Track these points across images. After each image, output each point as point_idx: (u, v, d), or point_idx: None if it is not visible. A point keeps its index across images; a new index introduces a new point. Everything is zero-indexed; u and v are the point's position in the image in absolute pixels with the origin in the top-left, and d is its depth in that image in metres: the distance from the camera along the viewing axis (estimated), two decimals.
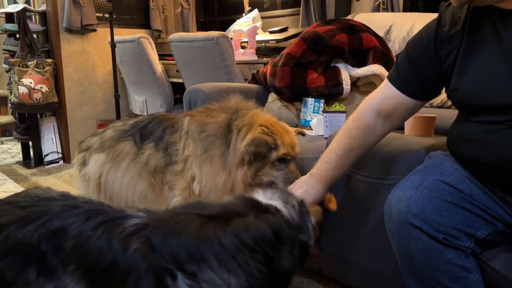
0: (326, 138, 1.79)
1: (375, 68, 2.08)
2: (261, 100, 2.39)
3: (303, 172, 1.67)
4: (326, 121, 1.76)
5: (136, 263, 0.86)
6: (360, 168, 1.51)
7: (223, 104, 1.70)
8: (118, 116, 3.55)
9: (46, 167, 3.77)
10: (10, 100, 3.68)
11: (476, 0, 1.01)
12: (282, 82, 2.15)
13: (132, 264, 0.87)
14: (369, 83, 2.20)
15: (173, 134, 1.69)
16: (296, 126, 2.23)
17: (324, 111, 1.77)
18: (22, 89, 3.48)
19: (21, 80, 3.47)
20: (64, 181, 3.38)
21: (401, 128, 1.68)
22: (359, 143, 1.33)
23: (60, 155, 3.85)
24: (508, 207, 1.11)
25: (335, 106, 1.79)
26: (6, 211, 1.00)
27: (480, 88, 1.08)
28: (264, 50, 3.08)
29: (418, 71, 1.22)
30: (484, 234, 1.13)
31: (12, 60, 3.51)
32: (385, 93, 1.30)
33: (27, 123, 3.76)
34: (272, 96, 2.35)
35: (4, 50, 3.72)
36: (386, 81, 1.31)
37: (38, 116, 3.81)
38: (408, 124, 1.54)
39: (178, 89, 3.40)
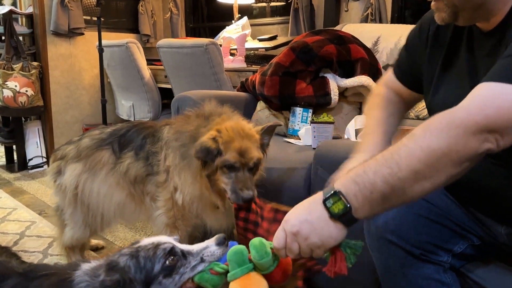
0: (314, 148, 1.80)
1: (363, 80, 2.10)
2: (250, 109, 2.40)
3: (292, 183, 1.67)
4: (314, 131, 1.77)
5: None
6: None
7: (198, 111, 1.66)
8: (105, 121, 3.51)
9: (30, 171, 3.71)
10: None
11: (460, 20, 0.99)
12: (271, 91, 2.16)
13: None
14: (357, 94, 2.22)
15: (154, 144, 1.67)
16: (285, 135, 2.24)
17: (312, 122, 1.78)
18: (7, 92, 3.42)
19: (6, 83, 3.42)
20: (48, 186, 3.33)
21: None
22: (390, 111, 1.28)
23: (45, 160, 3.79)
24: (481, 224, 1.13)
25: (323, 117, 1.80)
26: None
27: (448, 107, 1.09)
28: (253, 58, 3.09)
29: (412, 61, 1.22)
30: (461, 249, 1.14)
31: None
32: (390, 78, 1.31)
33: (11, 127, 3.70)
34: (260, 105, 2.35)
35: None
36: (390, 69, 1.33)
37: (23, 119, 3.75)
38: (396, 136, 1.56)
39: (167, 94, 3.38)
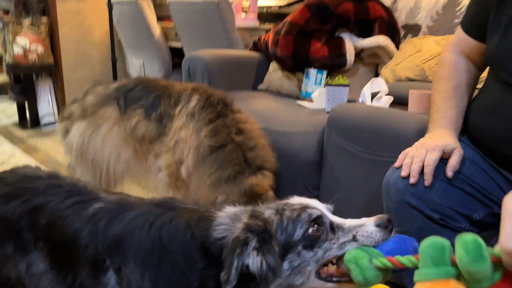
0: (328, 112, 1.75)
1: (381, 40, 2.02)
2: (262, 70, 2.34)
3: (304, 147, 1.65)
4: (329, 94, 1.72)
5: (86, 244, 0.88)
6: (358, 142, 1.49)
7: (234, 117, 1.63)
8: (115, 79, 3.48)
9: (43, 129, 3.74)
10: (4, 60, 3.59)
11: None
12: (284, 51, 2.09)
13: (83, 244, 0.88)
14: (374, 55, 2.15)
15: (172, 107, 1.63)
16: (297, 98, 2.19)
17: (327, 85, 1.73)
18: (17, 50, 3.39)
19: (16, 39, 3.37)
20: (61, 144, 3.35)
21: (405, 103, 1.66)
22: (457, 81, 1.23)
23: (57, 117, 3.80)
24: (507, 190, 1.11)
25: (338, 79, 1.74)
26: None
27: None
28: (266, 15, 2.99)
29: (483, 3, 1.16)
30: (480, 216, 1.13)
31: (6, 17, 3.40)
32: (459, 38, 1.26)
33: (22, 84, 3.69)
34: (273, 66, 2.29)
35: None
36: (459, 28, 1.27)
37: (34, 77, 3.73)
38: (412, 101, 1.51)
39: (177, 53, 3.32)
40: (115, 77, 3.44)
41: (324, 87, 1.76)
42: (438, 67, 1.30)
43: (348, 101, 1.88)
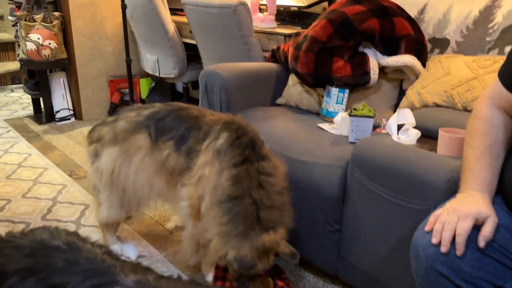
0: (351, 142, 1.70)
1: (407, 60, 1.93)
2: (281, 82, 2.27)
3: (326, 181, 1.60)
4: (352, 125, 1.66)
5: None
6: (384, 184, 1.44)
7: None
8: (130, 78, 3.43)
9: (58, 123, 3.73)
10: (18, 55, 3.55)
11: None
12: (305, 68, 2.01)
13: None
14: (398, 70, 2.06)
15: (199, 141, 1.60)
16: (317, 114, 2.13)
17: (351, 115, 1.66)
18: (30, 45, 3.34)
19: (29, 35, 3.32)
20: (77, 142, 3.35)
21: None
22: (493, 138, 1.17)
23: (72, 112, 3.79)
24: None
25: (362, 109, 1.67)
26: (11, 257, 0.99)
27: None
28: (284, 15, 2.88)
29: None
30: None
31: (18, 13, 3.33)
32: (495, 91, 1.20)
33: (36, 79, 3.66)
34: (292, 79, 2.22)
35: (9, 0, 3.53)
36: (496, 78, 1.21)
37: (48, 71, 3.69)
38: (442, 143, 1.44)
39: (192, 47, 3.23)
40: (130, 77, 3.39)
41: (347, 114, 1.69)
42: (471, 120, 1.23)
43: (374, 126, 1.82)
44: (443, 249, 1.07)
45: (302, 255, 1.81)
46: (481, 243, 1.06)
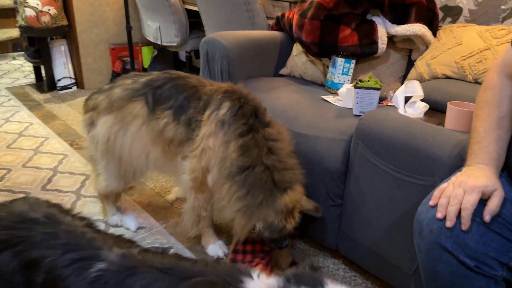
0: (356, 115, 1.64)
1: (417, 28, 1.84)
2: (285, 52, 2.19)
3: (329, 155, 1.56)
4: (357, 97, 1.59)
5: None
6: (388, 159, 1.39)
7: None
8: (131, 46, 3.35)
9: (60, 92, 3.68)
10: (17, 21, 3.47)
11: None
12: (310, 37, 1.93)
13: None
14: (408, 39, 1.97)
15: (200, 111, 1.55)
16: (322, 85, 2.06)
17: (356, 87, 1.59)
18: (29, 12, 3.25)
19: (27, 1, 3.23)
20: (78, 111, 3.31)
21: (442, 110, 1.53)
22: (503, 110, 1.11)
23: (73, 81, 3.73)
24: None
25: (368, 80, 1.60)
26: None
27: None
28: None
29: None
30: None
31: None
32: (507, 59, 1.14)
33: (36, 46, 3.58)
34: (297, 48, 2.13)
35: None
36: (508, 46, 1.15)
37: (48, 39, 3.61)
38: (450, 116, 1.38)
39: (195, 15, 3.13)
40: (130, 44, 3.31)
41: (352, 86, 1.63)
42: (482, 91, 1.17)
43: (380, 99, 1.75)
44: (448, 223, 1.03)
45: (303, 228, 1.79)
46: (487, 217, 1.02)
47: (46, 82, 3.71)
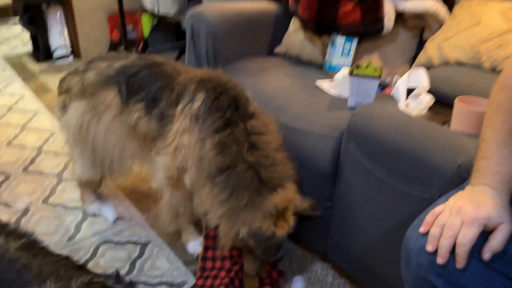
0: (351, 108, 1.44)
1: (429, 4, 1.59)
2: (282, 27, 1.96)
3: (316, 153, 1.37)
4: (353, 87, 1.38)
5: None
6: (382, 164, 1.20)
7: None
8: (122, 16, 3.15)
9: (56, 62, 3.53)
10: None
11: None
12: (307, 12, 1.70)
13: None
14: (418, 17, 1.72)
15: (172, 104, 1.38)
16: (321, 67, 1.84)
17: (351, 75, 1.38)
18: None
19: None
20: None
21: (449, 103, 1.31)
22: None
23: (70, 50, 3.57)
24: None
25: (367, 66, 1.39)
26: None
27: None
28: None
29: None
30: None
31: None
32: None
33: (31, 13, 3.41)
34: (294, 24, 1.90)
35: None
36: None
37: (45, 6, 3.43)
38: (458, 115, 1.17)
39: None
40: (121, 13, 3.10)
41: (348, 74, 1.41)
42: (497, 88, 0.95)
43: (379, 86, 1.54)
44: (440, 260, 0.86)
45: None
46: (486, 255, 0.84)
47: (42, 51, 3.56)
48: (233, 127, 1.32)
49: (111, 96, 1.51)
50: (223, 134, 1.31)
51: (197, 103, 1.34)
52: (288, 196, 1.31)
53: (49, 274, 0.79)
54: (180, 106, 1.37)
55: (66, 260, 0.86)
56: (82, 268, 0.85)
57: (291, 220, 1.33)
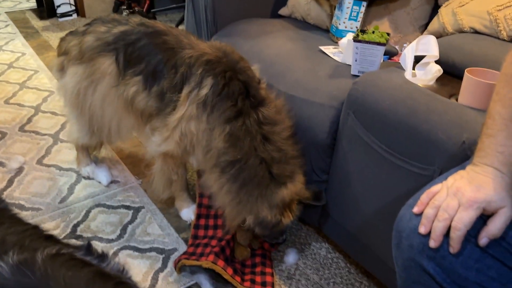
0: (355, 75, 1.35)
1: None
2: None
3: (314, 122, 1.30)
4: (356, 53, 1.29)
5: None
6: (382, 138, 1.13)
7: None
8: None
9: (60, 19, 3.44)
10: None
11: None
12: None
13: None
14: None
15: (177, 86, 1.30)
16: (327, 31, 1.74)
17: (356, 40, 1.28)
18: None
19: None
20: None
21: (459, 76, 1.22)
22: None
23: (73, 8, 3.47)
24: None
25: (373, 32, 1.29)
26: None
27: None
28: None
29: None
30: None
31: None
32: None
33: None
34: None
35: None
36: None
37: None
38: (467, 87, 1.08)
39: None
40: None
41: (352, 39, 1.31)
42: (510, 62, 0.86)
43: (387, 53, 1.44)
44: (432, 243, 0.80)
45: None
46: (483, 240, 0.78)
47: (45, 8, 3.46)
48: (245, 118, 1.24)
49: (107, 64, 1.43)
50: (234, 125, 1.24)
51: (204, 90, 1.26)
52: (296, 189, 1.29)
53: (12, 244, 0.74)
54: (185, 91, 1.28)
55: (33, 230, 0.81)
56: (50, 238, 0.80)
57: (296, 210, 1.32)
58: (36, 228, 0.82)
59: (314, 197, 1.33)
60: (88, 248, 0.79)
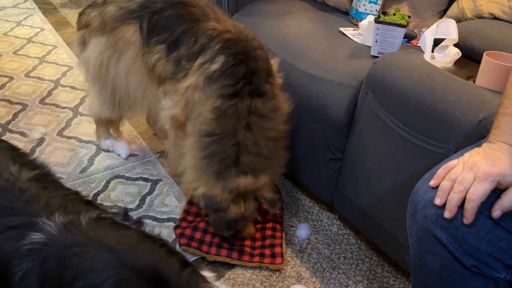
0: (374, 56, 1.38)
1: None
2: None
3: (332, 101, 1.34)
4: (377, 34, 1.32)
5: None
6: (399, 117, 1.16)
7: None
8: None
9: None
10: None
11: None
12: None
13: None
14: None
15: (193, 55, 1.32)
16: (346, 13, 1.76)
17: (377, 21, 1.31)
18: None
19: None
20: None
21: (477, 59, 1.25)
22: None
23: None
24: None
25: (394, 13, 1.31)
26: None
27: None
28: None
29: None
30: None
31: None
32: None
33: None
34: None
35: None
36: None
37: None
38: (485, 69, 1.11)
39: None
40: None
41: (374, 21, 1.34)
42: None
43: (406, 37, 1.47)
44: (447, 214, 0.84)
45: (299, 177, 1.63)
46: (496, 212, 0.82)
47: None
48: (239, 100, 1.27)
49: (131, 32, 1.44)
50: (226, 102, 1.27)
51: (215, 66, 1.29)
52: (256, 185, 1.30)
53: (57, 206, 0.80)
54: (198, 61, 1.31)
55: (75, 195, 0.86)
56: (90, 203, 0.86)
57: (250, 206, 1.33)
58: (76, 193, 0.87)
59: (269, 201, 1.34)
60: (125, 214, 0.85)
